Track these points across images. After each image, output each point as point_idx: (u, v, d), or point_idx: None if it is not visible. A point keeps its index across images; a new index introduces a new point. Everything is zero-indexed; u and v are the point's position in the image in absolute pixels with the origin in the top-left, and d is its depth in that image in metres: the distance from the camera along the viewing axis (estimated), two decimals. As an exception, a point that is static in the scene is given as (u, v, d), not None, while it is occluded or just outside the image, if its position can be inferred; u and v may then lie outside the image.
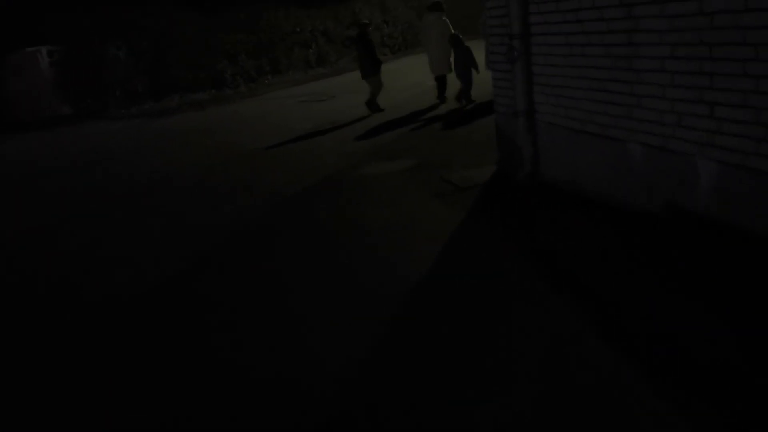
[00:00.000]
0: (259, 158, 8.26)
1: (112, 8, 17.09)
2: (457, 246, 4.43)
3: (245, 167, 7.82)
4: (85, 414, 2.99)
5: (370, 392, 2.83)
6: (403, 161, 7.03)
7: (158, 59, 17.45)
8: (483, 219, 4.90)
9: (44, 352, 3.69)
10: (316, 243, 4.85)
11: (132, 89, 16.95)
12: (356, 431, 2.59)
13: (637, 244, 3.89)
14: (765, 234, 3.38)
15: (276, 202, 6.17)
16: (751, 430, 2.26)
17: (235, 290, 4.20)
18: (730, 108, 3.41)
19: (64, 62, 16.57)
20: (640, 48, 3.94)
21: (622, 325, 3.03)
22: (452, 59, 10.19)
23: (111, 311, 4.13)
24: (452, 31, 10.19)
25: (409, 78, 14.22)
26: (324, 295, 3.93)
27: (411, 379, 2.87)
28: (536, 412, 2.51)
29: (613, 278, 3.51)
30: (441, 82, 10.66)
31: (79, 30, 16.63)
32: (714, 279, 3.29)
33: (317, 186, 6.54)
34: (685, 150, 3.78)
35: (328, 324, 3.54)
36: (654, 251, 3.74)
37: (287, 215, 5.74)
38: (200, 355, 3.37)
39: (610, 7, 4.13)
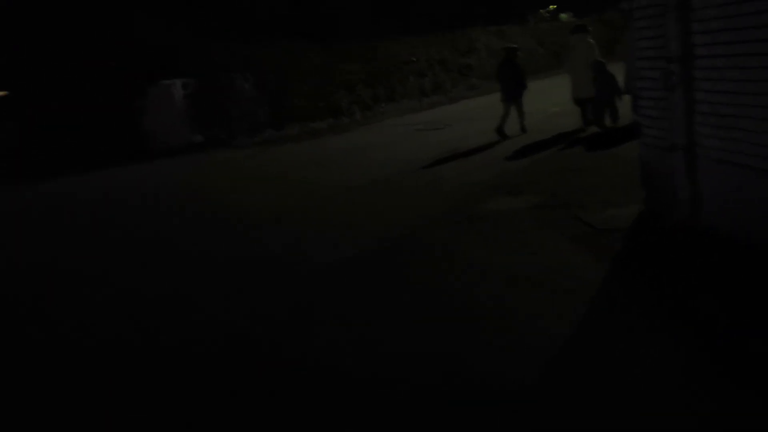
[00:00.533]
0: (374, 190, 8.00)
1: (240, 42, 17.95)
2: (602, 308, 3.75)
3: (360, 199, 7.59)
4: None
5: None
6: (532, 196, 6.48)
7: (280, 90, 18.05)
8: (630, 272, 4.22)
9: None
10: (433, 293, 4.39)
11: (255, 119, 17.60)
12: None
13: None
14: None
15: (390, 238, 5.80)
16: None
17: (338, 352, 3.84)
18: None
19: (196, 94, 17.51)
20: None
21: None
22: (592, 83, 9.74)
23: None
24: (597, 54, 9.87)
25: (534, 104, 13.62)
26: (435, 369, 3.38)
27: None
28: None
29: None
30: (582, 105, 10.16)
31: (211, 63, 17.56)
32: None
33: (436, 222, 6.11)
34: None
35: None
36: None
37: (401, 255, 5.35)
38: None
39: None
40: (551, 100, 13.08)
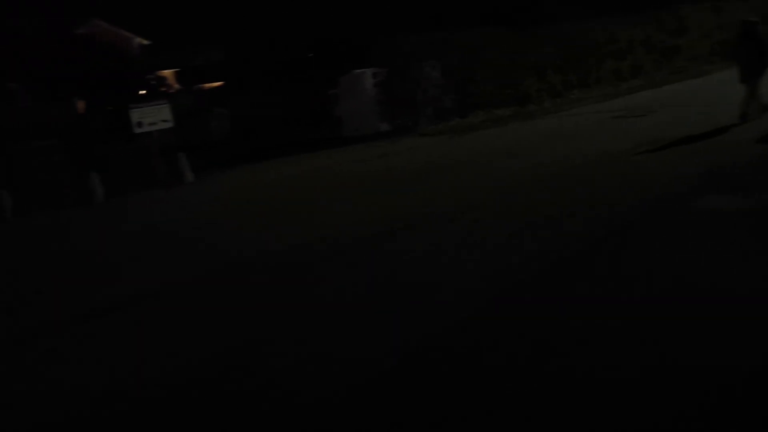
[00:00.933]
0: (564, 179, 7.49)
1: (429, 30, 18.09)
2: None
3: (546, 190, 7.13)
4: None
5: None
6: (760, 195, 5.56)
7: (467, 76, 17.88)
8: None
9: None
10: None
11: (441, 106, 17.66)
12: None
13: None
14: None
15: (585, 238, 5.32)
16: None
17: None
18: None
19: (385, 82, 18.02)
20: None
21: None
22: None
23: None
24: None
25: None
26: None
27: None
28: None
29: None
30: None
31: (400, 52, 17.94)
32: None
33: (635, 221, 5.44)
34: None
35: None
36: None
37: (592, 261, 4.86)
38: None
39: None
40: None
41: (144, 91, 27.43)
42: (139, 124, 14.26)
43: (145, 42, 35.71)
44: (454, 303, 4.18)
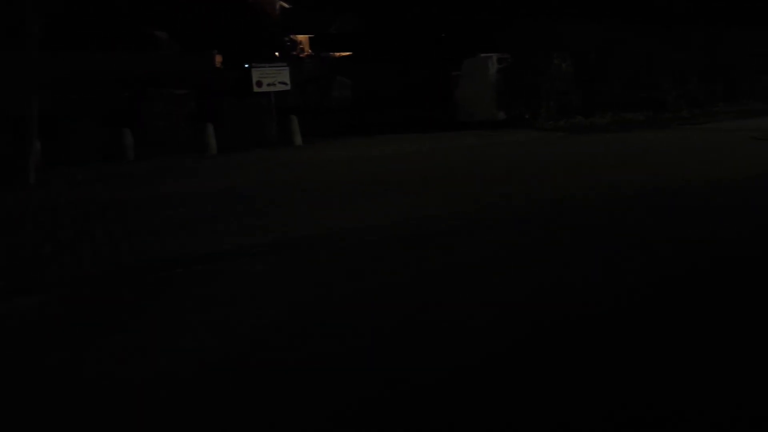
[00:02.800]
0: (667, 204, 6.70)
1: (564, 21, 17.08)
2: None
3: (651, 216, 6.41)
4: None
5: None
6: None
7: (598, 73, 16.78)
8: None
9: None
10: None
11: (565, 102, 16.71)
12: None
13: None
14: None
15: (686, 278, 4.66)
16: None
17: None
18: None
19: (509, 69, 17.30)
20: None
21: None
22: None
23: None
24: None
25: None
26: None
27: None
28: None
29: None
30: None
31: (530, 40, 17.11)
32: None
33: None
34: None
35: None
36: None
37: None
38: None
39: None
40: None
41: (277, 53, 28.36)
42: (258, 84, 14.68)
43: (286, 5, 36.84)
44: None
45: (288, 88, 15.28)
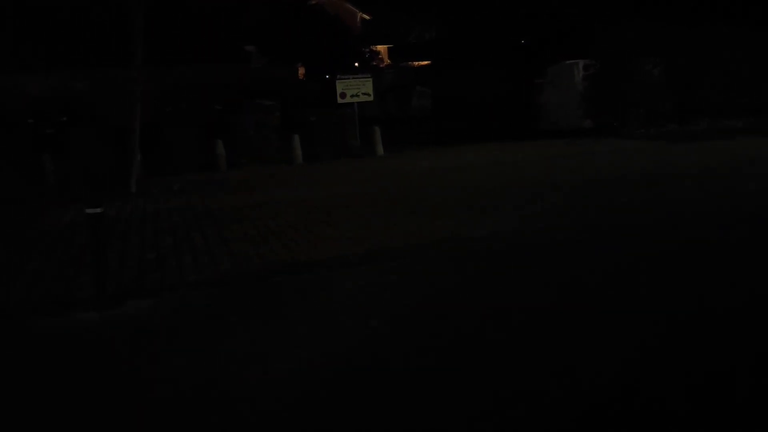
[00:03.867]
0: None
1: (657, 22, 16.34)
2: None
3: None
4: None
5: None
6: None
7: (693, 79, 15.96)
8: None
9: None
10: None
11: (657, 109, 15.99)
12: None
13: None
14: None
15: None
16: None
17: None
18: None
19: (596, 76, 16.77)
20: None
21: None
22: None
23: None
24: None
25: None
26: None
27: None
28: None
29: None
30: None
31: (619, 45, 16.48)
32: None
33: None
34: None
35: None
36: None
37: None
38: None
39: None
40: None
41: (357, 64, 28.82)
42: (342, 95, 14.92)
43: (367, 17, 37.39)
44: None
45: (371, 99, 15.45)
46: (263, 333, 4.04)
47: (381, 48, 34.57)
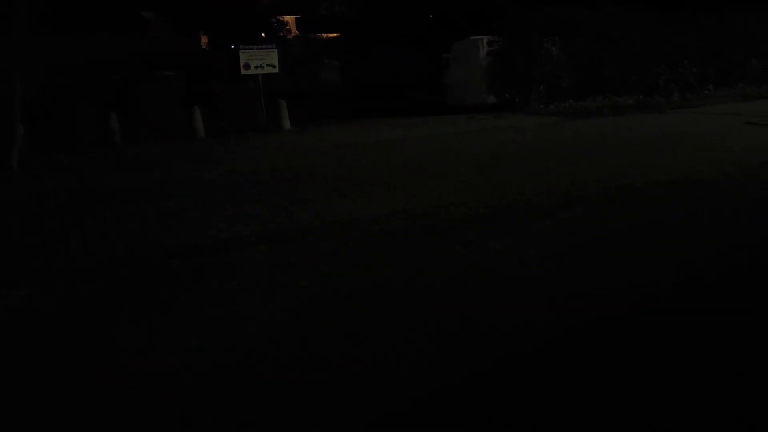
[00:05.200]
0: (682, 193, 6.63)
1: (558, 5, 16.89)
2: None
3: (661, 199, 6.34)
4: None
5: None
6: None
7: (590, 57, 16.66)
8: None
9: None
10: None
11: (556, 86, 16.59)
12: None
13: None
14: None
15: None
16: None
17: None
18: None
19: (499, 53, 17.13)
20: None
21: None
22: None
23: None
24: None
25: None
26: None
27: None
28: None
29: None
30: None
31: (522, 23, 16.90)
32: None
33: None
34: None
35: None
36: None
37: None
38: None
39: None
40: None
41: (264, 34, 27.90)
42: (246, 66, 14.39)
43: (274, -16, 36.19)
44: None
45: (276, 70, 15.00)
46: (156, 323, 3.81)
47: (289, 18, 33.65)
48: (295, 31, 33.87)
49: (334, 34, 30.91)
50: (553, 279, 4.14)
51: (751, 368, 2.85)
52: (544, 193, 6.61)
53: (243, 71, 14.52)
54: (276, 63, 14.87)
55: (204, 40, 27.75)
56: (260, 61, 14.56)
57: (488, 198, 6.53)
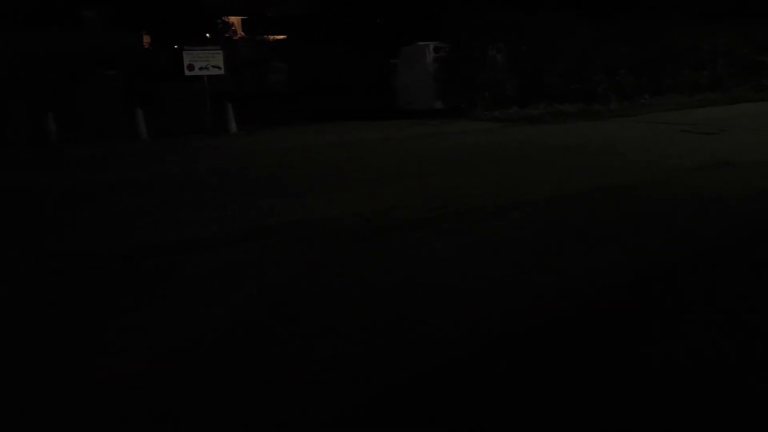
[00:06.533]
0: (618, 198, 6.90)
1: (502, 11, 17.26)
2: None
3: (604, 203, 6.58)
4: None
5: None
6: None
7: (533, 65, 17.08)
8: None
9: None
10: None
11: (501, 92, 16.92)
12: None
13: None
14: None
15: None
16: None
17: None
18: None
19: (446, 59, 17.34)
20: None
21: None
22: None
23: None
24: None
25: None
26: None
27: None
28: None
29: None
30: None
31: (468, 30, 17.16)
32: None
33: (688, 266, 4.81)
34: None
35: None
36: None
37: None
38: None
39: None
40: None
41: (208, 35, 27.42)
42: (190, 67, 14.11)
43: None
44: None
45: (222, 72, 14.75)
46: (97, 328, 3.70)
47: (235, 20, 33.19)
48: (241, 33, 33.43)
49: (282, 36, 30.69)
50: (497, 279, 4.24)
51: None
52: (489, 197, 6.75)
53: (187, 72, 14.22)
54: (221, 65, 14.63)
55: (146, 39, 27.07)
56: (205, 62, 14.29)
57: (435, 201, 6.63)
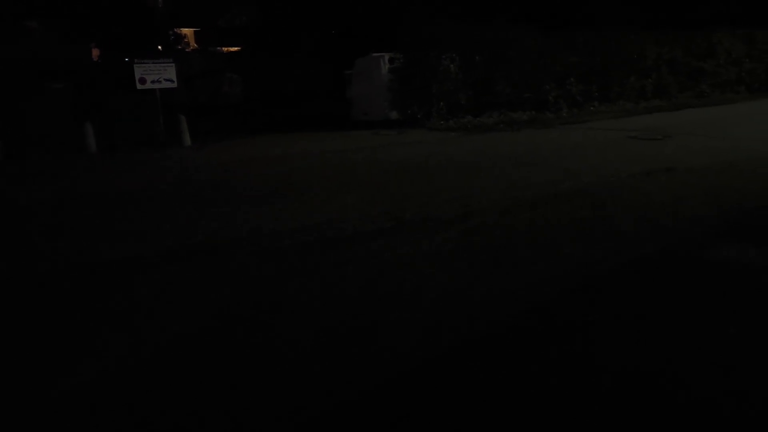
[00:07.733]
0: (568, 204, 7.08)
1: (456, 22, 17.54)
2: None
3: (552, 208, 6.74)
4: None
5: None
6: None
7: (486, 74, 17.37)
8: None
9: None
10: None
11: (455, 102, 17.14)
12: None
13: None
14: None
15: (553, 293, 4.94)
16: None
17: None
18: None
19: (400, 69, 17.49)
20: None
21: None
22: None
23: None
24: None
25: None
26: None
27: None
28: None
29: None
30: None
31: (422, 40, 17.34)
32: None
33: (638, 269, 4.91)
34: None
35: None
36: None
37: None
38: None
39: None
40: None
41: (160, 47, 27.00)
42: (142, 81, 13.87)
43: (169, -5, 35.16)
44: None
45: (174, 85, 14.54)
46: (45, 344, 3.59)
47: (187, 31, 32.79)
48: (193, 44, 33.04)
49: (235, 48, 30.45)
50: (457, 284, 4.29)
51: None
52: (444, 206, 6.84)
53: (139, 86, 13.97)
54: (174, 78, 14.42)
55: (95, 52, 26.48)
56: (157, 75, 14.06)
57: (393, 210, 6.68)
